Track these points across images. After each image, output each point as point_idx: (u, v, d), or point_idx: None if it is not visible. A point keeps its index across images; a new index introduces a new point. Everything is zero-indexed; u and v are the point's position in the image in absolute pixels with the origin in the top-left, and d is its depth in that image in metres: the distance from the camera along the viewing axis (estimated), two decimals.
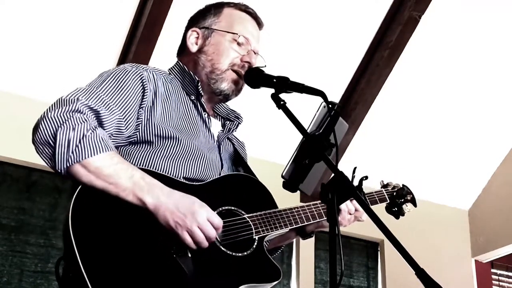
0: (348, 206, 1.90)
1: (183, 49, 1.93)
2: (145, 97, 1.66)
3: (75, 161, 1.44)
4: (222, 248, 1.57)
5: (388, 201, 2.15)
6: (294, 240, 3.66)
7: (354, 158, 4.74)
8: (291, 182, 1.51)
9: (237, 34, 1.85)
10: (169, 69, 1.90)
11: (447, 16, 4.52)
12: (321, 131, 1.55)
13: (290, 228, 1.79)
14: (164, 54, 3.93)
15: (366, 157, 4.94)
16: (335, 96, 4.50)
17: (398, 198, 2.18)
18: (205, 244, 1.50)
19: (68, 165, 1.44)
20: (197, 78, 1.82)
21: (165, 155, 1.66)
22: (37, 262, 3.77)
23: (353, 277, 4.99)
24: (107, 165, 1.47)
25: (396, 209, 2.18)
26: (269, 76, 1.69)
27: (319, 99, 1.56)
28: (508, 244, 5.24)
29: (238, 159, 1.91)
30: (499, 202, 5.39)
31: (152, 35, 3.85)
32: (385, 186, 2.22)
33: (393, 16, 4.43)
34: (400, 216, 2.19)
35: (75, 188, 1.47)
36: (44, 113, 1.49)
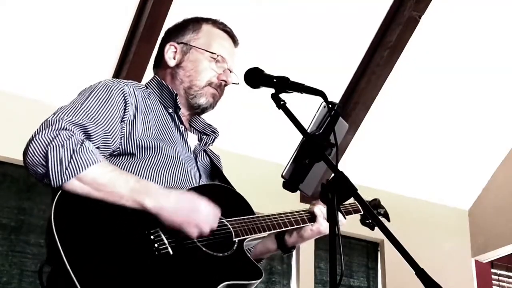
0: (322, 211, 1.94)
1: (159, 61, 1.97)
2: (126, 111, 1.70)
3: (71, 177, 1.47)
4: (203, 248, 1.60)
5: (362, 212, 2.18)
6: None
7: (354, 158, 4.74)
8: (291, 182, 1.51)
9: (215, 54, 1.91)
10: (146, 83, 1.93)
11: (447, 16, 4.52)
12: (321, 131, 1.55)
13: (268, 232, 1.84)
14: None
15: (366, 157, 4.94)
16: (335, 96, 4.50)
17: (373, 209, 2.26)
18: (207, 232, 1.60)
19: (64, 181, 1.47)
20: (175, 92, 1.88)
21: (147, 165, 1.70)
22: (37, 262, 3.76)
23: (353, 277, 4.98)
24: (102, 174, 1.51)
25: (369, 221, 2.23)
26: (269, 76, 1.69)
27: (319, 99, 1.56)
28: (508, 244, 5.23)
29: (214, 170, 1.97)
30: (499, 202, 5.38)
31: (152, 35, 3.85)
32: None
33: (393, 16, 4.43)
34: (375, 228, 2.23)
35: (55, 192, 1.49)
36: (31, 137, 1.52)
